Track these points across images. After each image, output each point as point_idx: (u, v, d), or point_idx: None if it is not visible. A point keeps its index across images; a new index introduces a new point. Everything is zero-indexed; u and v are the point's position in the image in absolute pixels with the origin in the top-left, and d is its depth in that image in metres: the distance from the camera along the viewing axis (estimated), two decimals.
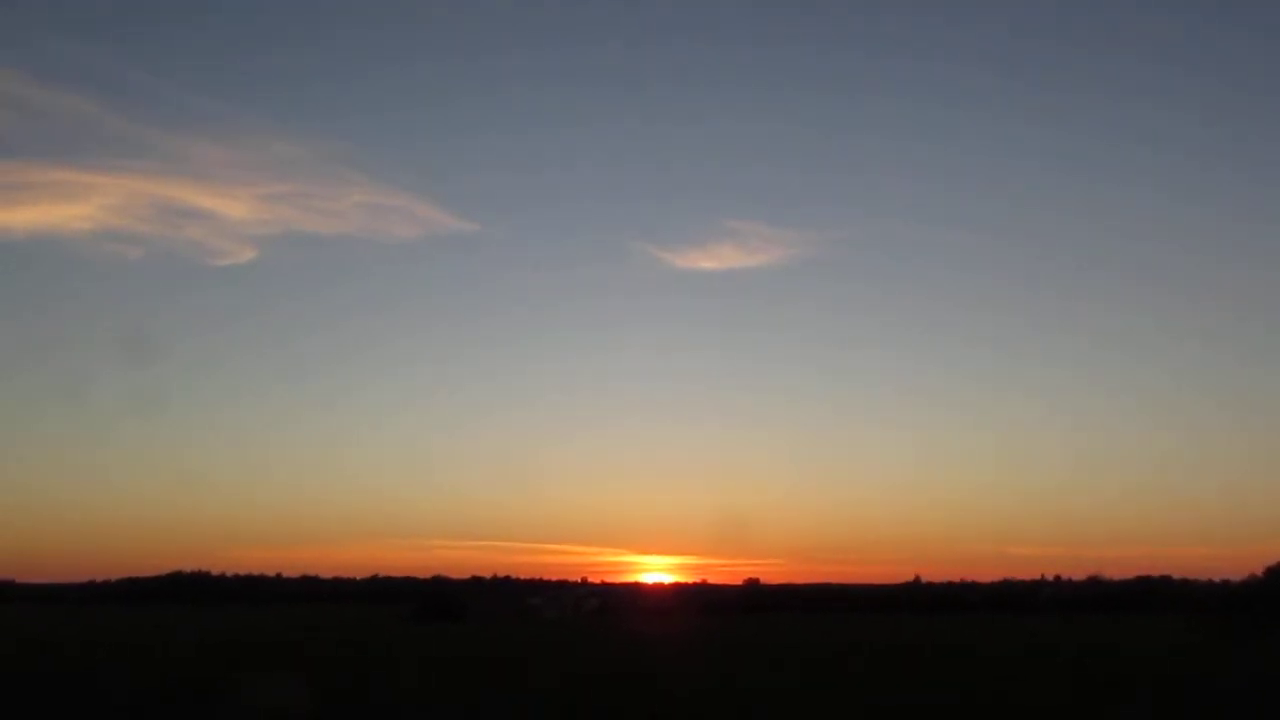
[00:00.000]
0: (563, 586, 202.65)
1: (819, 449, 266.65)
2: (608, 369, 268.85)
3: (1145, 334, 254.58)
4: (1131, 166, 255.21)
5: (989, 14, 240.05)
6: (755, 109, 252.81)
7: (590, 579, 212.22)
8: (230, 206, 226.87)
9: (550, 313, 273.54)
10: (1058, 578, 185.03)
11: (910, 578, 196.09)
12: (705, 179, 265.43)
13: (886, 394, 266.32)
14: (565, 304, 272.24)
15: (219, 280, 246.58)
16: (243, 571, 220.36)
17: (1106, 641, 71.78)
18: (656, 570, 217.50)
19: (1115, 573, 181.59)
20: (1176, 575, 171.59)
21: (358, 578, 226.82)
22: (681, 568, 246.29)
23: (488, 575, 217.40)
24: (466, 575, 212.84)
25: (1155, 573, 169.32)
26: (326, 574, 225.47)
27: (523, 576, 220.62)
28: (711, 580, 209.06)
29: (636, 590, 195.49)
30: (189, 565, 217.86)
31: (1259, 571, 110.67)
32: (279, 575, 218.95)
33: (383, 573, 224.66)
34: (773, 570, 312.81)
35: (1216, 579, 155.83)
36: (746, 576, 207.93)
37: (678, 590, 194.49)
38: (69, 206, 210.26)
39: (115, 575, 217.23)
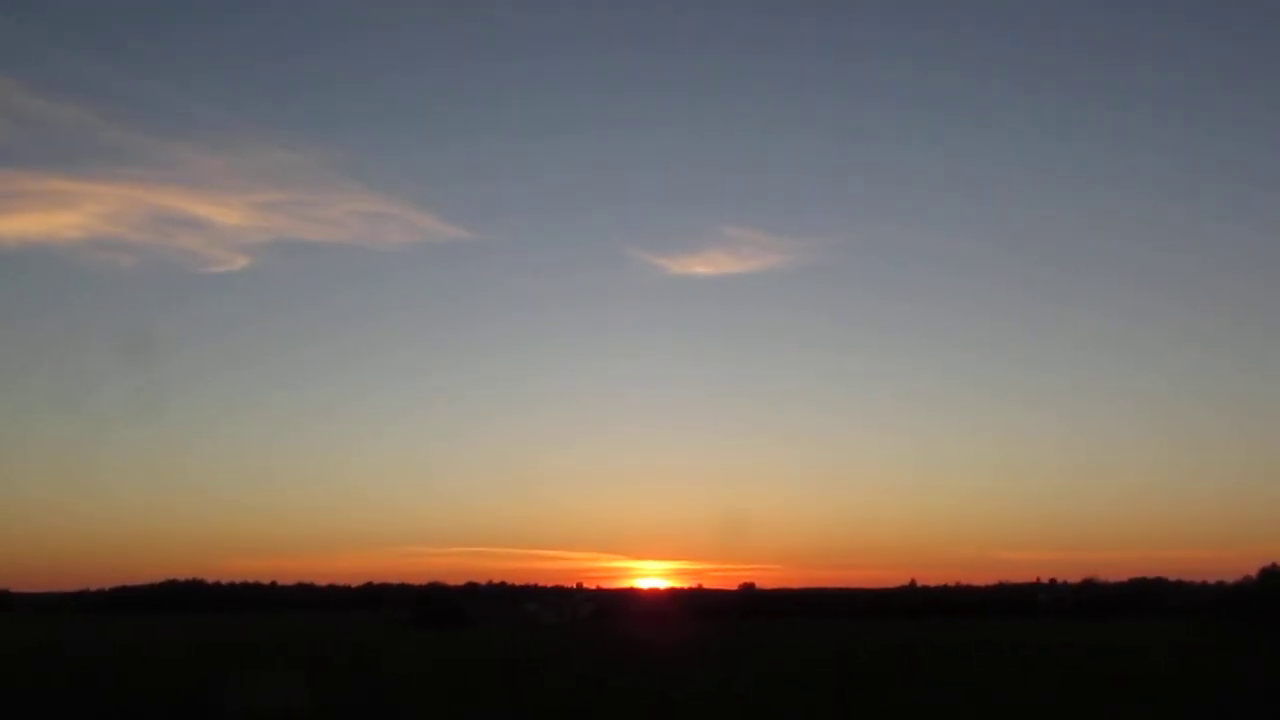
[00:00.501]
0: (559, 592, 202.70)
1: (814, 454, 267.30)
2: (603, 375, 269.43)
3: (1140, 338, 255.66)
4: (1128, 171, 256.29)
5: (986, 20, 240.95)
6: (750, 115, 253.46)
7: (586, 584, 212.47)
8: (224, 214, 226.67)
9: (545, 319, 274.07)
10: (1053, 581, 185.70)
11: (906, 582, 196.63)
12: (700, 185, 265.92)
13: (881, 399, 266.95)
14: (560, 310, 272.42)
15: (213, 289, 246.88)
16: (237, 579, 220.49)
17: (1102, 644, 71.91)
18: (652, 575, 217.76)
19: (1110, 575, 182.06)
20: (1171, 578, 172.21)
21: (353, 585, 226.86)
22: (677, 573, 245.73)
23: (483, 581, 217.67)
24: (462, 581, 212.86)
25: (1150, 575, 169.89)
26: (322, 581, 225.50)
27: (518, 582, 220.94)
28: (707, 585, 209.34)
29: (632, 595, 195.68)
30: (183, 573, 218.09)
31: (1253, 573, 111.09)
32: (274, 583, 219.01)
33: (378, 579, 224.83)
34: (768, 575, 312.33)
35: (1211, 581, 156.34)
36: (742, 581, 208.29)
37: (673, 595, 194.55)
38: (61, 215, 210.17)
39: (108, 584, 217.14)
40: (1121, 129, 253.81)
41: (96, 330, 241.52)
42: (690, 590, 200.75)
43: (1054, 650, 64.94)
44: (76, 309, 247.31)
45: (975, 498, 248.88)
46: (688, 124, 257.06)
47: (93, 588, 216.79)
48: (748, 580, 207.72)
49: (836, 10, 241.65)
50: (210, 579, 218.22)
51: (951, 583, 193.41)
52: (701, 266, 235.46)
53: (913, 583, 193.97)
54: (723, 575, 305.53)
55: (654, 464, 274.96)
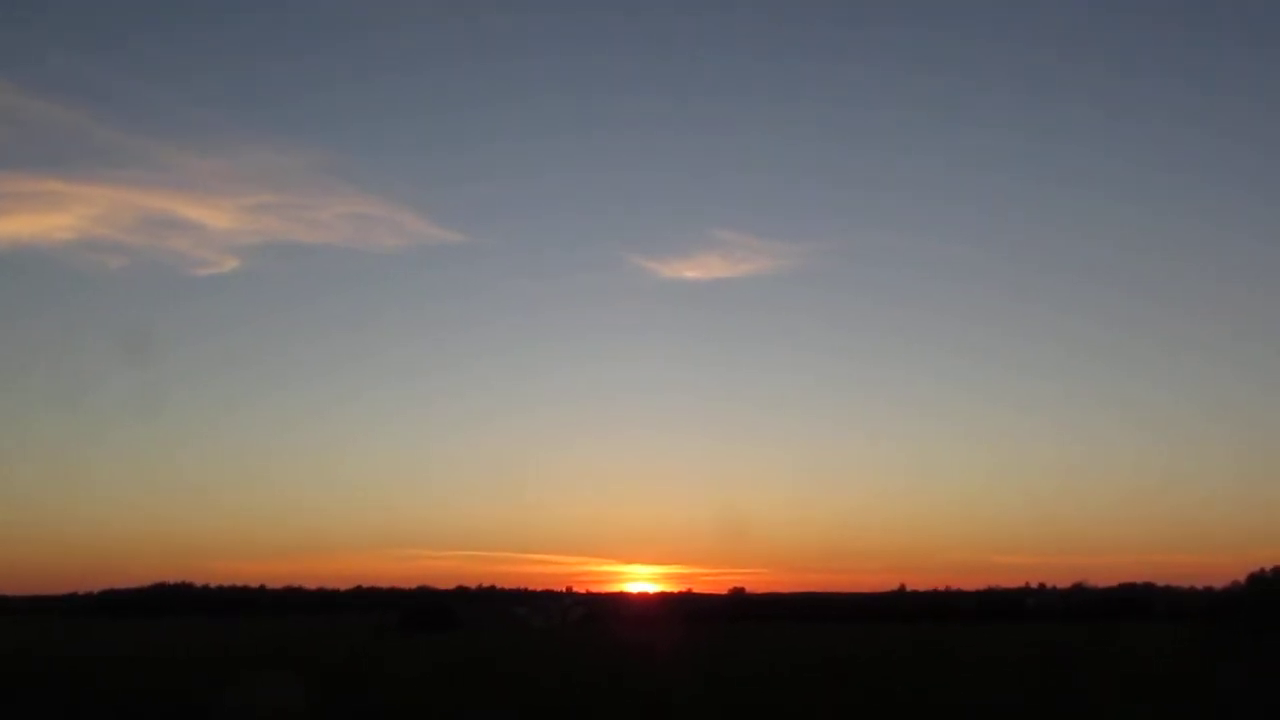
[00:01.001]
0: (548, 596, 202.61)
1: (805, 458, 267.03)
2: (593, 379, 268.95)
3: (1130, 344, 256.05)
4: (1120, 178, 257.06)
5: (978, 26, 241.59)
6: (742, 119, 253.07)
7: (576, 588, 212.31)
8: (214, 216, 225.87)
9: (535, 322, 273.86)
10: (1042, 585, 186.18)
11: (895, 586, 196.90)
12: (691, 188, 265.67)
13: (872, 403, 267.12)
14: (550, 314, 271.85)
15: (203, 291, 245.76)
16: (226, 582, 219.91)
17: (1091, 648, 72.22)
18: (642, 580, 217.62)
19: (1100, 580, 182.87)
20: (1160, 582, 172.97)
21: (342, 588, 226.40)
22: (667, 577, 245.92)
23: (473, 585, 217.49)
24: (452, 585, 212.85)
25: (1139, 580, 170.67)
26: (311, 584, 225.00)
27: (508, 586, 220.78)
28: (697, 589, 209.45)
29: (622, 600, 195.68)
30: (171, 577, 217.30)
31: (1242, 579, 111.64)
32: (262, 586, 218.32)
33: (368, 583, 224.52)
34: (758, 579, 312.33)
35: (1200, 586, 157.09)
36: (732, 585, 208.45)
37: (663, 599, 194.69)
38: (51, 216, 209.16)
39: (96, 587, 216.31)
40: (1115, 136, 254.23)
41: (87, 332, 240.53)
42: (680, 594, 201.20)
43: (1043, 654, 65.20)
44: (67, 311, 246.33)
45: (965, 502, 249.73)
46: (679, 128, 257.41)
47: (80, 591, 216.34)
48: (738, 584, 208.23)
49: (829, 15, 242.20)
50: (199, 582, 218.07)
51: (941, 587, 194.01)
52: (693, 270, 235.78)
53: (902, 587, 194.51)
54: (713, 579, 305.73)
55: (644, 467, 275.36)
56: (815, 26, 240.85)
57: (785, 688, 42.92)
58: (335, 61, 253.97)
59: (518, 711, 34.72)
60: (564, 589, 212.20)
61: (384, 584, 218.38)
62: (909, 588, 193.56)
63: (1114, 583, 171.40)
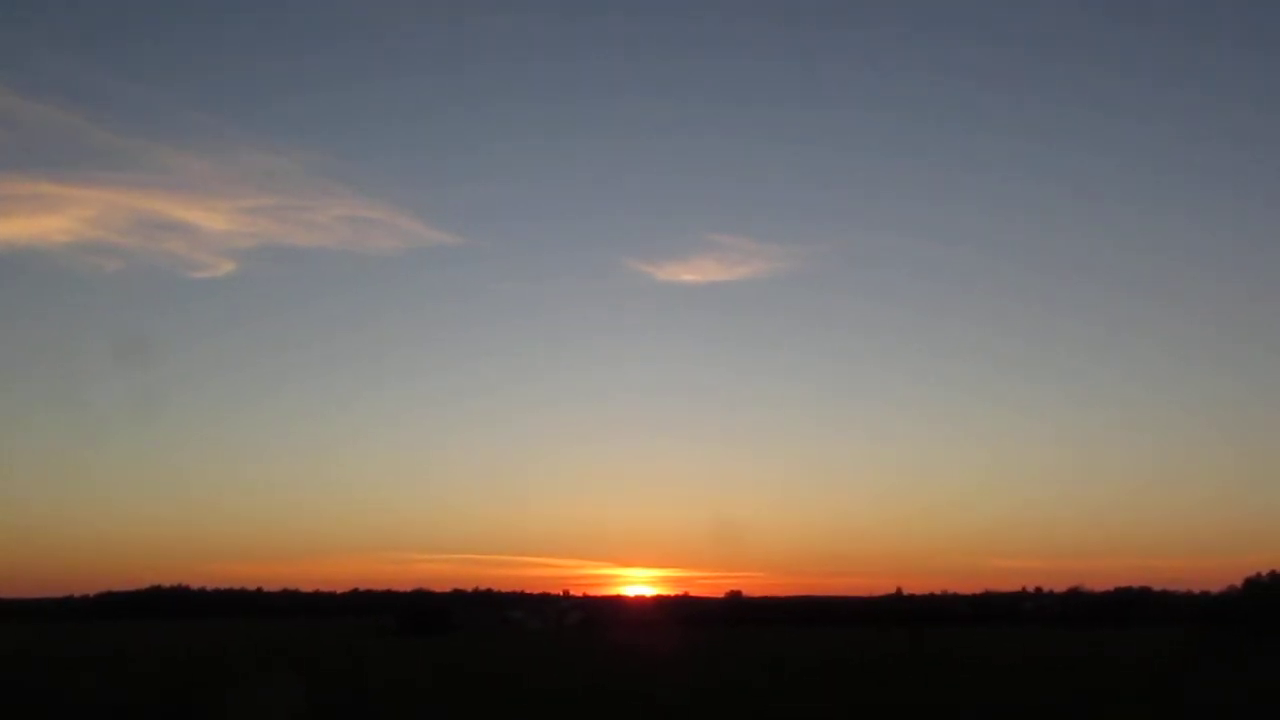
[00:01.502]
0: (545, 599, 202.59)
1: (801, 461, 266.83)
2: (588, 382, 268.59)
3: (1126, 347, 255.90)
4: (1117, 180, 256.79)
5: (973, 29, 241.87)
6: (737, 122, 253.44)
7: (572, 592, 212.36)
8: (210, 219, 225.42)
9: (531, 326, 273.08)
10: (1039, 589, 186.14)
11: (892, 590, 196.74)
12: (687, 192, 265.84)
13: (868, 406, 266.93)
14: (546, 317, 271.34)
15: (199, 293, 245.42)
16: (222, 585, 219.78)
17: (1087, 652, 72.35)
18: (638, 583, 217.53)
19: (1096, 584, 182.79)
20: (1157, 586, 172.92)
21: (339, 591, 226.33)
22: (663, 580, 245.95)
23: (469, 588, 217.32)
24: (448, 588, 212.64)
25: (1136, 584, 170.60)
26: (308, 587, 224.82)
27: (504, 589, 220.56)
28: (694, 593, 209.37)
29: (618, 603, 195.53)
30: (167, 580, 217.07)
31: (1238, 583, 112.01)
32: (259, 589, 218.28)
33: (364, 586, 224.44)
34: (755, 583, 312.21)
35: (1196, 590, 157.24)
36: (729, 589, 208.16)
37: (660, 603, 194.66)
38: (47, 219, 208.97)
39: (93, 590, 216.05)
40: (1111, 138, 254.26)
41: (83, 335, 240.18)
42: (677, 597, 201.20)
43: (1040, 658, 65.32)
44: (63, 313, 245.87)
45: (962, 505, 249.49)
46: (675, 131, 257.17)
47: (77, 594, 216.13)
48: (734, 588, 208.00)
49: (825, 20, 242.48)
50: (195, 585, 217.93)
51: (938, 590, 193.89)
52: (689, 274, 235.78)
53: (899, 590, 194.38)
54: (710, 583, 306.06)
55: (641, 470, 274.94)
56: (812, 30, 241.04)
57: (782, 691, 43.01)
58: (331, 64, 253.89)
59: (514, 715, 34.80)
60: (561, 592, 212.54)
61: (380, 587, 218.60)
62: (906, 591, 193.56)
63: (1111, 587, 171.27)
